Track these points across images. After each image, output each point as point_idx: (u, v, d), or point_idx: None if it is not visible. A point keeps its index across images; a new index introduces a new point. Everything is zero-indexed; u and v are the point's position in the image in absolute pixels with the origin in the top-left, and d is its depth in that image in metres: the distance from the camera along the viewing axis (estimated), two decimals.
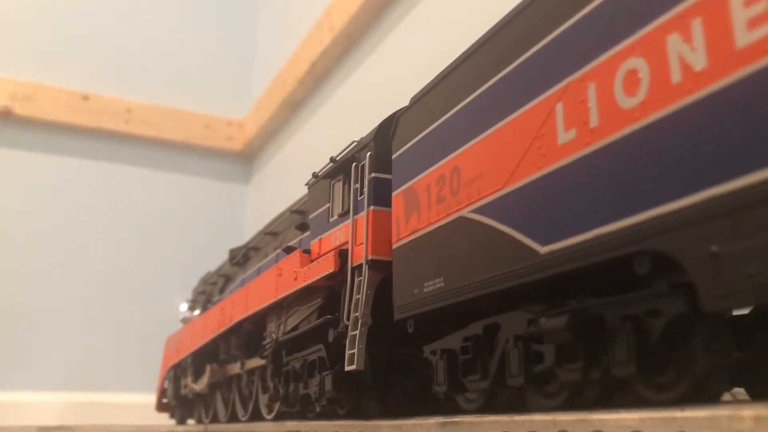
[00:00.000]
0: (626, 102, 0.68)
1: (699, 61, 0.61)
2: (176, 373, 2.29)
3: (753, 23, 0.55)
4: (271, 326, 1.59)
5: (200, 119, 4.41)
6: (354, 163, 1.30)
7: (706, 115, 0.59)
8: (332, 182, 1.38)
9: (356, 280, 1.24)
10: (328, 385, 1.26)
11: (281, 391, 1.48)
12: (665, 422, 0.50)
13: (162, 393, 2.43)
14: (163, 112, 4.28)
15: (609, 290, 0.72)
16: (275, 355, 1.54)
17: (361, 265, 1.22)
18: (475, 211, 0.90)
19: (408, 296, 1.04)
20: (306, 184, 1.51)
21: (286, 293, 1.46)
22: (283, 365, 1.50)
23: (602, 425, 0.57)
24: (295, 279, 1.42)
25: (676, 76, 0.62)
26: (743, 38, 0.56)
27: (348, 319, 1.24)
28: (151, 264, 3.98)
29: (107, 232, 3.96)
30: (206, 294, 2.27)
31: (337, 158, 1.37)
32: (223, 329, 1.81)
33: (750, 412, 0.43)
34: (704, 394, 0.65)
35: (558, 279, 0.76)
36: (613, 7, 0.71)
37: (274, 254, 1.68)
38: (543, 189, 0.78)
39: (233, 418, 1.83)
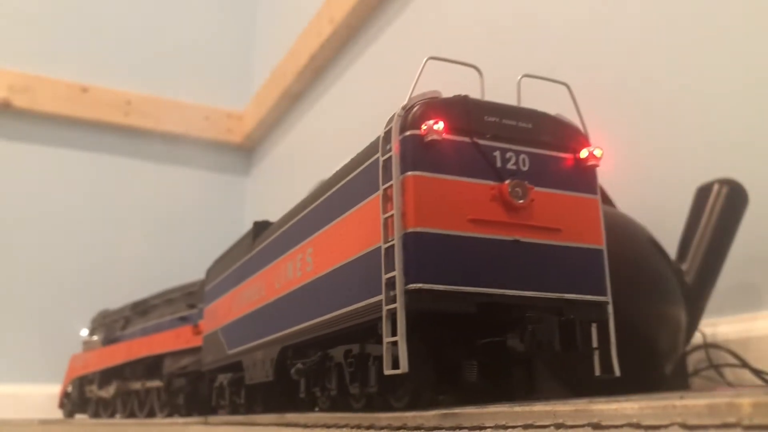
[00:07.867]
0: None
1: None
2: (81, 381, 3.34)
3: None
4: (168, 362, 2.90)
5: (200, 111, 4.79)
6: None
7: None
8: None
9: None
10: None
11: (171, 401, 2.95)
12: (664, 411, 0.54)
13: (64, 395, 3.41)
14: (162, 104, 4.67)
15: None
16: (170, 380, 2.89)
17: None
18: (219, 329, 2.32)
19: (206, 360, 2.46)
20: (202, 282, 2.92)
21: (183, 348, 2.78)
22: (173, 385, 2.88)
23: (601, 415, 0.61)
24: (187, 342, 2.77)
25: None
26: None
27: None
28: (150, 255, 4.34)
29: (106, 223, 4.37)
30: (106, 327, 3.28)
31: None
32: (131, 359, 3.06)
33: (748, 399, 0.47)
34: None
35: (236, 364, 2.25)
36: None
37: (170, 317, 2.97)
38: (229, 330, 2.17)
39: (131, 415, 3.03)
